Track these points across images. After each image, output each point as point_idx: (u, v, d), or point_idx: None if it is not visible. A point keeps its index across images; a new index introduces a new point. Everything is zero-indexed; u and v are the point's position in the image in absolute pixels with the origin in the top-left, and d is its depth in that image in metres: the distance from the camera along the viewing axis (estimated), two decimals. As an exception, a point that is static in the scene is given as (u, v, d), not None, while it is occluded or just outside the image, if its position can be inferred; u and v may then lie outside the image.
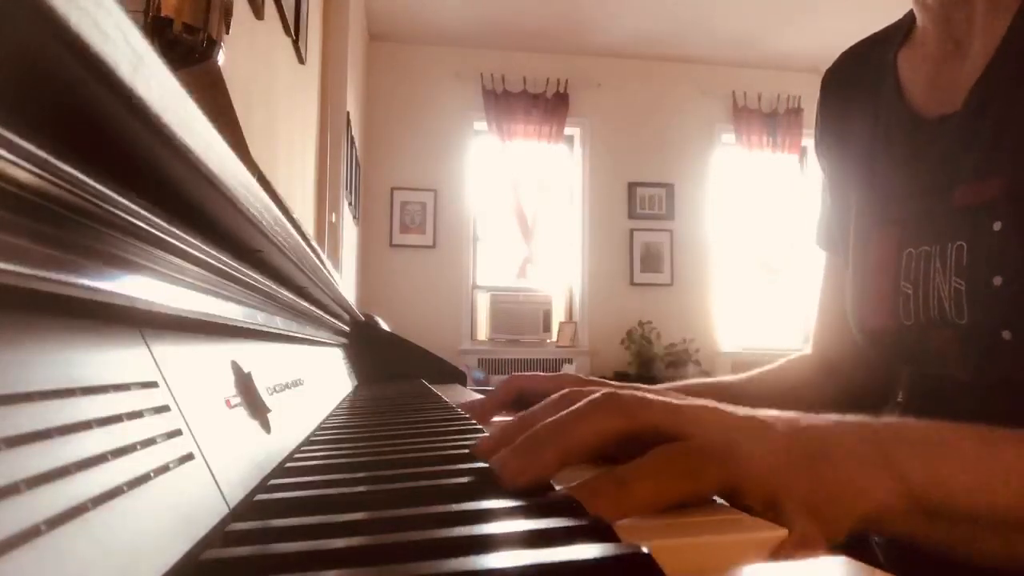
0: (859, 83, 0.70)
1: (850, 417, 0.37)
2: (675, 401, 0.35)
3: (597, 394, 0.35)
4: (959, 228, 0.54)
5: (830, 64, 0.77)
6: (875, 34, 0.72)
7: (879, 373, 0.74)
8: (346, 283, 3.26)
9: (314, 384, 0.76)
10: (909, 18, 0.66)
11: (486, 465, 0.37)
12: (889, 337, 0.62)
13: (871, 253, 0.64)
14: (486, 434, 0.53)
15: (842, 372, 0.76)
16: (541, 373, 0.72)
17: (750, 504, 0.31)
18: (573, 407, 0.34)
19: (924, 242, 0.58)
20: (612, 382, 0.71)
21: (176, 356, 0.33)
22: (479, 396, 0.79)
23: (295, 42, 2.39)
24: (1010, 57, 0.52)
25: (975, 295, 0.52)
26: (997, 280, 0.50)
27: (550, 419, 0.34)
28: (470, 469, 0.38)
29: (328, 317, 1.00)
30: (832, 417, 0.37)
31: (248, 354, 0.48)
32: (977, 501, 0.34)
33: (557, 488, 0.32)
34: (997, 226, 0.51)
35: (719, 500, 0.32)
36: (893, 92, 0.64)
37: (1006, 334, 0.50)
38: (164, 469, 0.26)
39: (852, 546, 0.27)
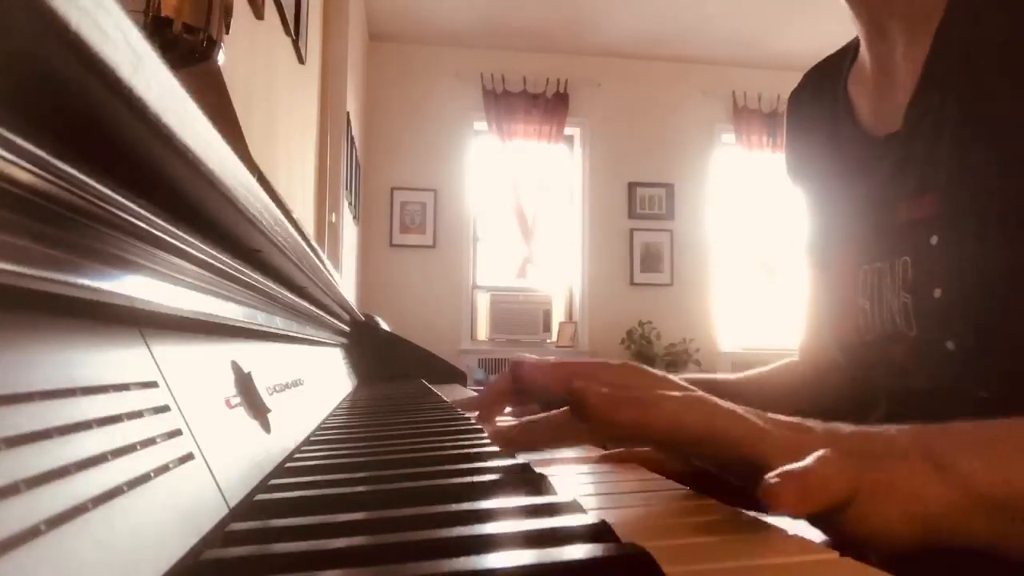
0: (818, 102, 0.72)
1: (893, 426, 0.36)
2: (656, 393, 0.35)
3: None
4: (904, 243, 0.56)
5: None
6: (832, 54, 0.74)
7: (865, 382, 0.75)
8: (346, 283, 3.26)
9: (314, 384, 0.76)
10: (857, 39, 0.68)
11: (486, 465, 0.38)
12: (856, 351, 0.64)
13: (834, 269, 0.66)
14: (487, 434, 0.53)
15: (830, 379, 0.77)
16: (541, 362, 0.72)
17: (743, 459, 0.31)
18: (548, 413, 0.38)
19: (877, 258, 0.59)
20: (613, 361, 0.71)
21: (176, 356, 0.33)
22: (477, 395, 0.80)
23: (295, 42, 2.39)
24: (934, 81, 0.54)
25: (920, 308, 0.54)
26: (937, 292, 0.52)
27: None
28: (470, 469, 0.38)
29: (328, 317, 1.00)
30: (874, 427, 0.36)
31: (248, 354, 0.48)
32: None
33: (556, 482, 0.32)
34: (934, 240, 0.52)
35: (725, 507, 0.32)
36: (845, 111, 0.66)
37: (950, 344, 0.51)
38: (164, 469, 0.26)
39: (848, 547, 0.27)
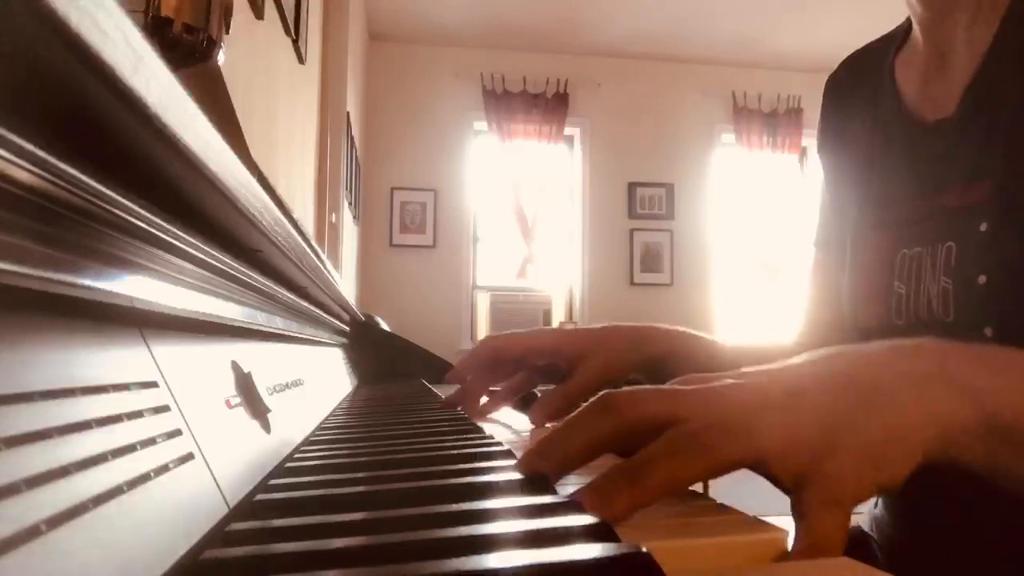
0: (859, 88, 0.71)
1: (903, 340, 0.36)
2: (675, 387, 0.34)
3: (593, 398, 0.34)
4: (949, 229, 0.55)
5: (830, 64, 0.79)
6: (876, 40, 0.73)
7: None
8: (346, 283, 3.26)
9: (314, 384, 0.76)
10: (907, 24, 0.68)
11: (486, 465, 0.38)
12: (881, 335, 0.63)
13: (869, 254, 0.65)
14: (479, 425, 0.53)
15: None
16: (516, 331, 0.71)
17: (778, 478, 0.30)
18: (568, 416, 0.34)
19: (917, 243, 0.59)
20: (596, 326, 0.69)
21: (176, 356, 0.33)
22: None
23: (295, 42, 2.39)
24: (997, 66, 0.54)
25: (961, 294, 0.54)
26: (982, 279, 0.52)
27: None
28: (470, 469, 0.38)
29: (328, 317, 1.00)
30: (885, 343, 0.36)
31: (248, 354, 0.48)
32: None
33: (570, 491, 0.31)
34: (983, 227, 0.52)
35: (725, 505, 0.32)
36: (891, 96, 0.65)
37: (988, 331, 0.51)
38: (164, 469, 0.26)
39: (852, 546, 0.27)
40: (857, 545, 0.65)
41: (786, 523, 0.28)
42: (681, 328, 0.74)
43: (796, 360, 0.36)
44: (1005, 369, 0.34)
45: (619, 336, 0.69)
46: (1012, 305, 0.50)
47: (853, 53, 0.76)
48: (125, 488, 0.22)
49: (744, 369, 0.36)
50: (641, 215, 5.35)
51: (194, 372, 0.35)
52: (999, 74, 0.54)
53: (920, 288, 0.58)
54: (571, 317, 5.26)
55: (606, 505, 0.28)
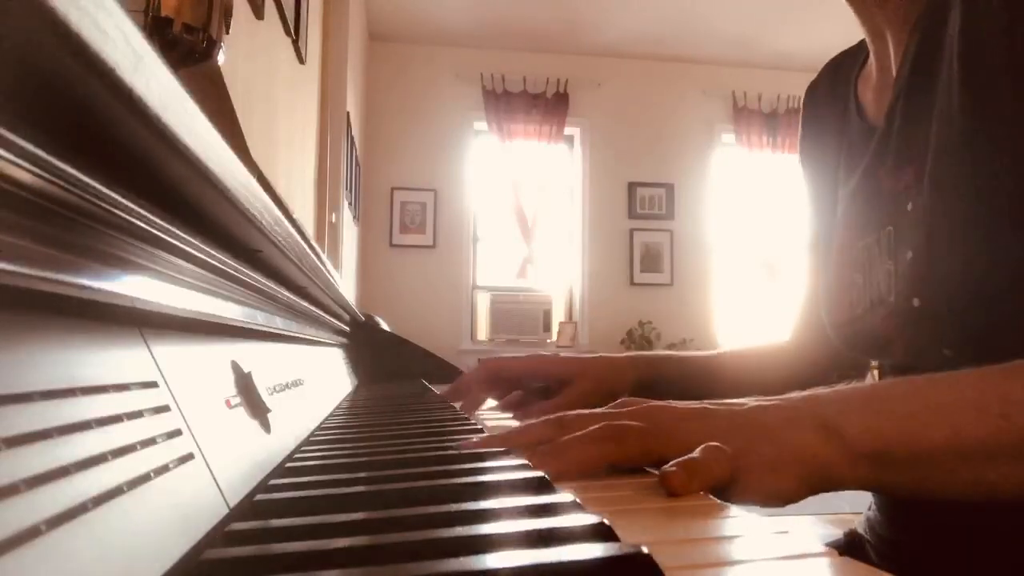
0: (831, 96, 0.76)
1: (799, 392, 0.44)
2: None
3: (599, 426, 0.41)
4: (887, 214, 0.61)
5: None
6: (849, 49, 0.78)
7: (852, 369, 0.77)
8: (346, 283, 3.26)
9: (314, 384, 0.76)
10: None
11: (486, 465, 0.38)
12: (847, 328, 0.67)
13: (834, 253, 0.70)
14: (484, 432, 0.53)
15: (818, 365, 0.81)
16: (511, 355, 0.82)
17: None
18: (589, 429, 0.41)
19: (869, 234, 0.64)
20: (586, 355, 0.79)
21: (176, 356, 0.33)
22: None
23: (295, 42, 2.39)
24: (906, 74, 0.60)
25: (897, 271, 0.58)
26: (909, 255, 0.56)
27: (570, 436, 0.41)
28: (470, 469, 0.38)
29: (328, 317, 1.00)
30: (782, 396, 0.44)
31: (248, 354, 0.48)
32: (912, 442, 0.39)
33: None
34: (910, 207, 0.57)
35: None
36: (853, 105, 0.71)
37: (916, 301, 0.56)
38: (164, 469, 0.26)
39: (847, 547, 0.27)
40: (852, 546, 0.66)
41: (791, 524, 0.28)
42: (667, 352, 0.85)
43: (718, 402, 0.44)
44: (863, 406, 0.41)
45: (605, 365, 0.79)
46: (934, 277, 0.54)
47: (830, 60, 0.80)
48: (125, 488, 0.22)
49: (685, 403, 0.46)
50: (641, 215, 5.35)
51: (194, 372, 0.35)
52: (913, 81, 0.59)
53: (872, 274, 0.63)
54: (571, 317, 5.26)
55: (538, 463, 0.37)
